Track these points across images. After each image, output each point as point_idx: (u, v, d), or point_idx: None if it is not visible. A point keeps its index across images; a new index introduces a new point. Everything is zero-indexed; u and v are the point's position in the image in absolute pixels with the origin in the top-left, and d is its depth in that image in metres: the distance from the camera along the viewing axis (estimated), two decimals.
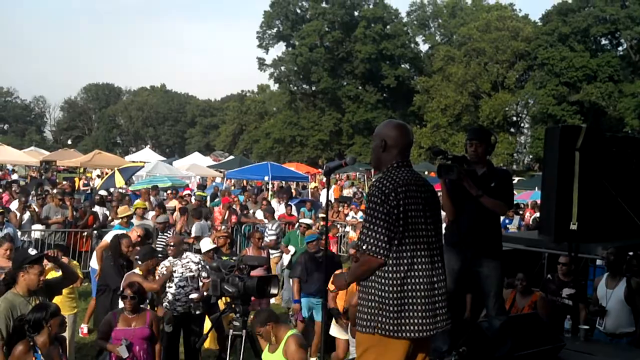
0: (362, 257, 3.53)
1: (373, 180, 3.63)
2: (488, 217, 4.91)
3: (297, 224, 12.21)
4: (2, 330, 4.71)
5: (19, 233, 10.82)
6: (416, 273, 3.47)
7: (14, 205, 12.47)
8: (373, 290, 3.47)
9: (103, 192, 16.37)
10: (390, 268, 3.44)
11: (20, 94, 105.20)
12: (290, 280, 9.77)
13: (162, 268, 7.39)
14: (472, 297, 6.19)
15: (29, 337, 4.49)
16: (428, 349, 3.76)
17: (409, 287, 3.45)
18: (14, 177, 24.56)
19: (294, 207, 16.67)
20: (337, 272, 3.95)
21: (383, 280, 3.44)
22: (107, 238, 9.86)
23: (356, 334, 3.66)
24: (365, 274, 3.49)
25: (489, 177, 4.99)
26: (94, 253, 9.55)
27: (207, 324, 7.50)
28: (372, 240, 3.41)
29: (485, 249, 4.90)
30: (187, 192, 19.60)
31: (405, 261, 3.45)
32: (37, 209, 12.47)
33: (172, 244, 7.56)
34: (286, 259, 11.08)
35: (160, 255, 7.72)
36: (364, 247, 3.44)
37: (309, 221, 11.68)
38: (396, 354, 3.46)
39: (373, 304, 3.46)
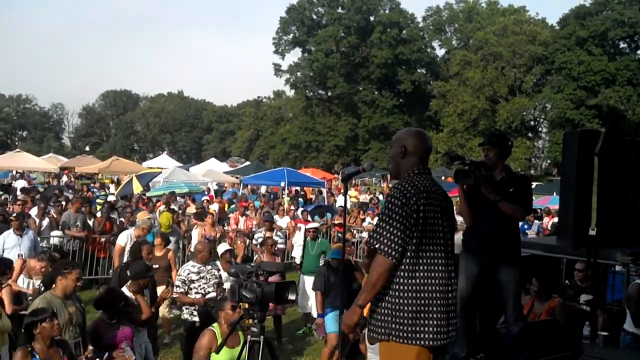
0: (375, 259, 3.41)
1: (394, 183, 3.59)
2: (506, 223, 4.89)
3: (306, 228, 12.07)
4: None
5: (38, 239, 10.92)
6: (433, 281, 3.43)
7: (34, 212, 12.59)
8: (387, 297, 3.42)
9: (112, 198, 16.63)
10: (406, 274, 3.39)
11: (39, 101, 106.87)
12: (304, 287, 9.78)
13: (184, 272, 7.46)
14: (490, 304, 6.16)
15: (28, 344, 4.59)
16: (443, 357, 3.74)
17: (426, 294, 3.40)
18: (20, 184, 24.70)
19: (309, 214, 16.70)
20: (344, 315, 3.71)
21: (399, 287, 3.39)
22: (120, 241, 9.97)
23: (378, 342, 3.56)
24: (380, 278, 3.37)
25: (508, 183, 4.97)
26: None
27: None
28: (386, 241, 3.34)
29: (504, 255, 4.87)
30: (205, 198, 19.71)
31: (422, 267, 3.41)
32: (55, 216, 12.60)
33: (200, 250, 7.63)
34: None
35: None
36: (377, 246, 3.36)
37: (316, 225, 11.54)
38: None
39: (386, 311, 3.42)
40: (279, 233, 13.46)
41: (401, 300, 3.38)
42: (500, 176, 5.02)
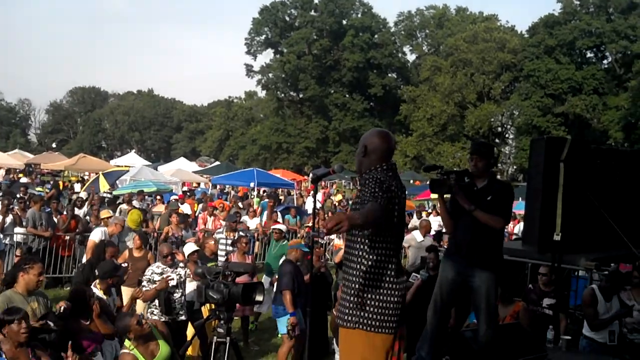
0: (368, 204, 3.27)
1: (365, 174, 3.58)
2: (484, 230, 4.85)
3: (271, 229, 11.86)
4: None
5: (1, 236, 10.72)
6: (395, 266, 3.48)
7: None
8: (356, 285, 3.44)
9: (83, 195, 16.34)
10: (374, 264, 3.42)
11: (5, 96, 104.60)
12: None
13: (148, 272, 7.34)
14: (459, 307, 6.20)
15: None
16: (404, 335, 3.64)
17: (389, 284, 3.45)
18: None
19: (279, 214, 16.64)
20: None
21: (367, 276, 3.42)
22: (94, 237, 9.77)
23: (339, 328, 3.59)
24: (371, 215, 3.16)
25: (487, 191, 4.94)
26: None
27: (190, 331, 7.45)
28: (375, 195, 3.28)
29: (479, 261, 4.85)
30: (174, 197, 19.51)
31: (393, 259, 3.47)
32: (19, 212, 12.35)
33: (165, 253, 7.50)
34: None
35: None
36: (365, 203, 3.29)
37: (282, 226, 11.42)
38: (380, 349, 3.44)
39: (355, 299, 3.44)
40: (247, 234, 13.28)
41: (369, 289, 3.42)
42: (482, 184, 5.00)
